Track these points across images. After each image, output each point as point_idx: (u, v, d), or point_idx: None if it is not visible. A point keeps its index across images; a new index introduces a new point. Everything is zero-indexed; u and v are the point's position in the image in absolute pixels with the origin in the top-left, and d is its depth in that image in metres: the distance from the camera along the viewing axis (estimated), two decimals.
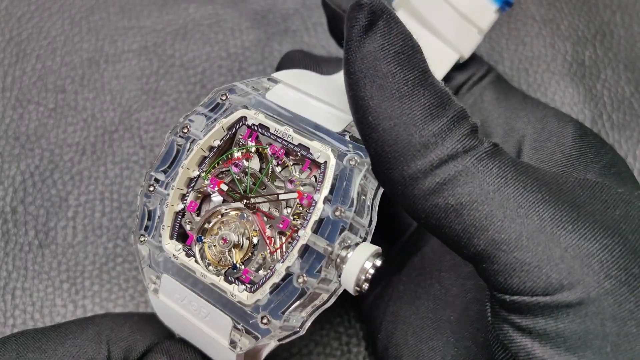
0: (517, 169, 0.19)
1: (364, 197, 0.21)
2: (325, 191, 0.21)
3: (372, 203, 0.22)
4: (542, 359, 0.17)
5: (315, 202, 0.21)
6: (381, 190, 0.22)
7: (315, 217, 0.21)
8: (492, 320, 0.19)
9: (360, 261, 0.20)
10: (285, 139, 0.22)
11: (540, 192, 0.18)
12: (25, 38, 0.37)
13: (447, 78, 0.27)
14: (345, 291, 0.22)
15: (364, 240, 0.21)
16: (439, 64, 0.25)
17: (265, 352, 0.24)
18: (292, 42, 0.37)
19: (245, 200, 0.23)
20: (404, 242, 0.27)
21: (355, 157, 0.21)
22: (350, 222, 0.21)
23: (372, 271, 0.20)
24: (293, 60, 0.29)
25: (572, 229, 0.17)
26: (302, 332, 0.22)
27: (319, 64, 0.28)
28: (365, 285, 0.20)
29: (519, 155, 0.23)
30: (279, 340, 0.22)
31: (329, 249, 0.20)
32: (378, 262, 0.20)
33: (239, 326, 0.22)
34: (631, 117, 0.34)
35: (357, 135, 0.22)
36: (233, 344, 0.22)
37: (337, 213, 0.21)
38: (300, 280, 0.21)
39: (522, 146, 0.23)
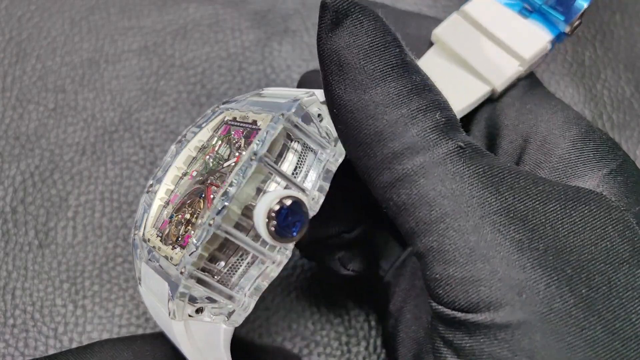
0: (479, 176, 0.18)
1: (301, 156, 0.20)
2: (252, 147, 0.20)
3: (323, 167, 0.20)
4: None
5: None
6: (341, 158, 0.21)
7: (237, 168, 0.20)
8: (430, 328, 0.19)
9: (269, 197, 0.19)
10: (244, 121, 0.22)
11: (492, 206, 0.17)
12: (26, 38, 0.37)
13: None
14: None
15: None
16: (464, 97, 0.23)
17: (221, 337, 0.22)
18: (292, 42, 0.37)
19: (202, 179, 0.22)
20: None
21: (290, 114, 0.20)
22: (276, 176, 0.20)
23: (277, 207, 0.18)
24: (310, 81, 0.28)
25: (512, 251, 0.17)
26: (245, 306, 0.20)
27: None
28: (274, 223, 0.19)
29: (522, 155, 0.22)
30: (224, 316, 0.21)
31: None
32: (288, 202, 0.19)
33: (171, 293, 0.20)
34: (631, 117, 0.34)
35: None
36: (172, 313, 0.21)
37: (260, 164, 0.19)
38: (211, 222, 0.19)
39: (527, 145, 0.23)
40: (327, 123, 0.21)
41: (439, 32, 0.23)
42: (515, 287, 0.17)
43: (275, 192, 0.19)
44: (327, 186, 0.20)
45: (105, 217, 0.32)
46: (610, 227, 0.18)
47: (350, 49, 0.19)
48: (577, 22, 0.22)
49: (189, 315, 0.21)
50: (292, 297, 0.31)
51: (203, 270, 0.20)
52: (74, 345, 0.29)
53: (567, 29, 0.22)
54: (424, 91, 0.19)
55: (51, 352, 0.29)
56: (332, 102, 0.19)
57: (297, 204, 0.19)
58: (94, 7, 0.38)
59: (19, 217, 0.32)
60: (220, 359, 0.21)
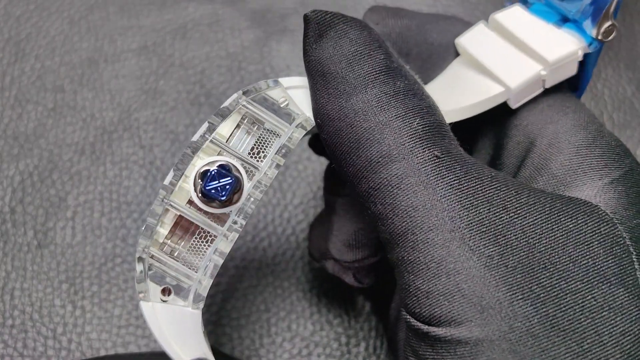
0: (452, 188, 0.17)
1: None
2: (203, 126, 0.21)
3: (279, 145, 0.21)
4: None
5: None
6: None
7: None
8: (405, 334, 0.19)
9: (201, 164, 0.20)
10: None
11: (463, 220, 0.17)
12: (24, 37, 0.37)
13: None
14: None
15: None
16: (477, 98, 0.22)
17: (188, 320, 0.22)
18: (290, 41, 0.37)
19: None
20: None
21: (239, 96, 0.21)
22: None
23: (203, 169, 0.20)
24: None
25: (479, 267, 0.17)
26: (204, 286, 0.21)
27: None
28: (200, 185, 0.20)
29: (525, 158, 0.21)
30: (189, 299, 0.21)
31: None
32: (214, 166, 0.20)
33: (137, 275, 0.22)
34: (632, 116, 0.34)
35: None
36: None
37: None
38: (162, 197, 0.20)
39: (532, 148, 0.21)
40: (292, 106, 0.21)
41: (463, 42, 0.23)
42: (477, 304, 0.16)
43: (206, 159, 0.20)
44: (282, 162, 0.21)
45: (105, 217, 0.32)
46: (596, 242, 0.17)
47: (332, 58, 0.19)
48: (606, 25, 0.21)
49: (162, 300, 0.21)
50: (292, 298, 0.31)
51: (163, 250, 0.21)
52: (73, 345, 0.29)
53: (594, 32, 0.21)
54: (407, 97, 0.18)
55: (50, 353, 0.29)
56: (316, 112, 0.19)
57: (225, 167, 0.20)
58: (93, 6, 0.38)
59: (18, 217, 0.32)
60: (190, 344, 0.21)
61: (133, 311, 0.30)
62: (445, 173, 0.17)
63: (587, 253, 0.17)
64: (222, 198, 0.20)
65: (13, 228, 0.32)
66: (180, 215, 0.21)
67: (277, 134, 0.21)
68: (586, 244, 0.17)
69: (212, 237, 0.21)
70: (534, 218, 0.17)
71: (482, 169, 0.18)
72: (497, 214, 0.17)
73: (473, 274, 0.16)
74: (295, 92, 0.21)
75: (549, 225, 0.17)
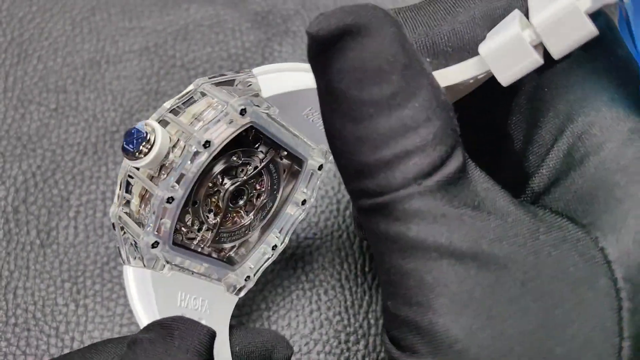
0: (446, 215, 0.17)
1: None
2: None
3: (226, 114, 0.23)
4: None
5: None
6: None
7: None
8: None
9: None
10: None
11: (455, 255, 0.17)
12: (27, 39, 0.37)
13: None
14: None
15: None
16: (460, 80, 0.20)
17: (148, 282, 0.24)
18: (292, 42, 0.37)
19: None
20: None
21: (200, 80, 0.24)
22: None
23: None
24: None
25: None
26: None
27: None
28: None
29: (553, 145, 0.20)
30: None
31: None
32: (138, 124, 0.22)
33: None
34: None
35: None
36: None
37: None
38: (125, 165, 0.24)
39: (563, 134, 0.20)
40: (255, 86, 0.23)
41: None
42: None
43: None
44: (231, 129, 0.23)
45: (107, 216, 0.32)
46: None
47: (341, 74, 0.17)
48: None
49: (129, 263, 0.24)
50: (292, 296, 0.31)
51: (130, 217, 0.24)
52: (76, 344, 0.30)
53: None
54: (408, 133, 0.17)
55: (52, 351, 0.29)
56: (324, 124, 0.19)
57: (143, 125, 0.22)
58: (95, 7, 0.38)
59: (21, 217, 0.32)
60: (149, 307, 0.23)
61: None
62: (445, 199, 0.17)
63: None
64: (130, 148, 0.22)
65: (16, 228, 0.32)
66: (132, 181, 0.24)
67: (225, 106, 0.23)
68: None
69: (151, 195, 0.23)
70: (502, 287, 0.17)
71: (461, 227, 0.18)
72: (476, 284, 0.17)
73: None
74: (263, 78, 0.23)
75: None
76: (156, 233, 0.23)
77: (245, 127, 0.24)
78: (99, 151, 0.34)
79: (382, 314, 0.19)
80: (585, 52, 0.19)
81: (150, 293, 0.23)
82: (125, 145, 0.22)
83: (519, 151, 0.21)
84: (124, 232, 0.24)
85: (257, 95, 0.23)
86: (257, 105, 0.23)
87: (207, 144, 0.23)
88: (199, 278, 0.25)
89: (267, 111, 0.24)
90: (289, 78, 0.24)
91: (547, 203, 0.20)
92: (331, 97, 0.18)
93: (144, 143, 0.22)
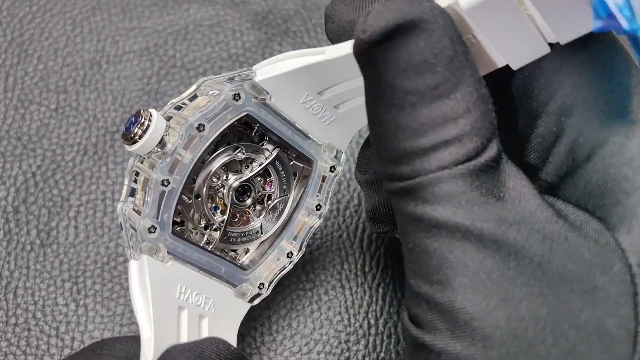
0: (475, 206, 0.18)
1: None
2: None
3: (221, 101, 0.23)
4: None
5: None
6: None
7: None
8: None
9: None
10: None
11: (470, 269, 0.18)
12: (27, 39, 0.37)
13: None
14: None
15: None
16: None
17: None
18: (292, 43, 0.37)
19: None
20: None
21: (204, 78, 0.25)
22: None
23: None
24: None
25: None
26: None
27: None
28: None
29: (555, 142, 0.20)
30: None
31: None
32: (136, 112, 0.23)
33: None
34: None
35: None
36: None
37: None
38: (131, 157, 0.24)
39: (563, 131, 0.20)
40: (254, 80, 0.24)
41: None
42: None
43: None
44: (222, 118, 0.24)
45: (107, 216, 0.32)
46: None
47: (387, 64, 0.18)
48: None
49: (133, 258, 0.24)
50: (293, 296, 0.31)
51: (134, 209, 0.24)
52: (76, 344, 0.30)
53: None
54: (447, 123, 0.18)
55: (52, 351, 0.30)
56: (367, 112, 0.19)
57: (142, 112, 0.23)
58: (95, 8, 0.38)
59: (21, 217, 0.32)
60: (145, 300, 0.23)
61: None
62: (477, 190, 0.18)
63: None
64: (125, 131, 0.23)
65: (16, 227, 0.32)
66: (139, 178, 0.24)
67: (220, 96, 0.24)
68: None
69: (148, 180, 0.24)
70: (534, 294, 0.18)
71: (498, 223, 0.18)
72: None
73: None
74: (259, 68, 0.24)
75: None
76: (155, 218, 0.23)
77: (241, 115, 0.24)
78: (99, 151, 0.34)
79: (404, 293, 0.20)
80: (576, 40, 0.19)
81: (146, 280, 0.23)
82: (124, 130, 0.23)
83: (520, 147, 0.22)
84: (130, 227, 0.24)
85: (254, 86, 0.24)
86: (255, 95, 0.24)
87: (200, 127, 0.23)
88: (204, 275, 0.25)
89: (262, 97, 0.24)
90: (282, 64, 0.24)
91: (560, 198, 0.21)
92: (377, 86, 0.18)
93: (139, 126, 0.23)
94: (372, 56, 0.18)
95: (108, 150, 0.34)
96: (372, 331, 0.30)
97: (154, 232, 0.23)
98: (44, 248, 0.32)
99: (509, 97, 0.21)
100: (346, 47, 0.21)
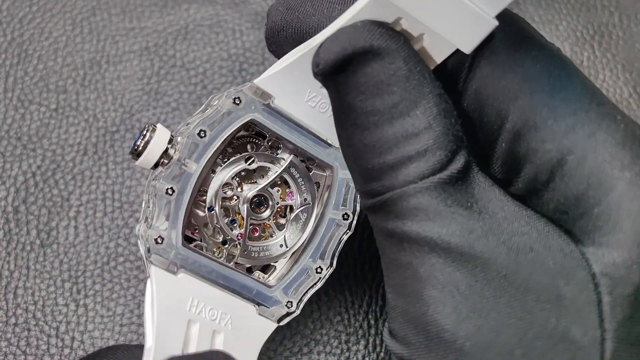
0: (451, 213, 0.18)
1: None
2: None
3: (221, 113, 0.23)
4: None
5: None
6: None
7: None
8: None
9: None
10: None
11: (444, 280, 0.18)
12: (27, 39, 0.37)
13: None
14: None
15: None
16: (428, 57, 0.20)
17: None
18: None
19: None
20: None
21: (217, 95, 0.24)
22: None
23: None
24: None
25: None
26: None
27: None
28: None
29: (519, 154, 0.20)
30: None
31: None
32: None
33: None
34: None
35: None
36: None
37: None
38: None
39: (527, 143, 0.20)
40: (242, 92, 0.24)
41: None
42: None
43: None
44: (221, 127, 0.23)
45: (107, 216, 0.32)
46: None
47: (346, 88, 0.19)
48: None
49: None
50: None
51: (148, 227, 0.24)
52: (76, 344, 0.30)
53: None
54: (410, 139, 0.18)
55: (52, 351, 0.30)
56: (337, 134, 0.20)
57: (147, 126, 0.23)
58: (95, 8, 0.38)
59: (21, 217, 0.32)
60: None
61: (135, 309, 0.30)
62: (443, 198, 0.19)
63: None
64: (132, 146, 0.23)
65: (16, 227, 0.32)
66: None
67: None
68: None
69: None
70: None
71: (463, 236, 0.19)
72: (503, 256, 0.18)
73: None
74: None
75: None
76: (162, 229, 0.23)
77: (245, 121, 0.23)
78: (99, 151, 0.34)
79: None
80: (507, 45, 0.20)
81: (153, 291, 0.23)
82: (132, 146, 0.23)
83: (486, 160, 0.21)
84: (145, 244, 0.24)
85: (255, 90, 0.23)
86: (258, 100, 0.23)
87: (201, 132, 0.23)
88: (222, 291, 0.24)
89: (266, 101, 0.23)
90: (279, 62, 0.24)
91: (529, 207, 0.21)
92: (342, 108, 0.19)
93: (141, 138, 0.23)
94: (332, 80, 0.19)
95: (108, 150, 0.34)
96: (372, 331, 0.30)
97: (162, 242, 0.23)
98: (44, 248, 0.32)
99: (465, 115, 0.21)
100: (336, 24, 0.20)
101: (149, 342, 0.22)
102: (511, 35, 0.20)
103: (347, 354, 0.30)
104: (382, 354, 0.30)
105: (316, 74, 0.19)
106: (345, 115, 0.19)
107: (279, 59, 0.24)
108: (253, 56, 0.37)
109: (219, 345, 0.24)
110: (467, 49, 0.19)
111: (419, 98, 0.18)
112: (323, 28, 0.22)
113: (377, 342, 0.30)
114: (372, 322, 0.30)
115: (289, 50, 0.23)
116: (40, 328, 0.30)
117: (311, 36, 0.23)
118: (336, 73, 0.19)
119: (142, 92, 0.36)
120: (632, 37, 0.37)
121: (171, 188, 0.23)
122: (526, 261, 0.18)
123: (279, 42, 0.25)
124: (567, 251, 0.19)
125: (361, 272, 0.31)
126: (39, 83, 0.36)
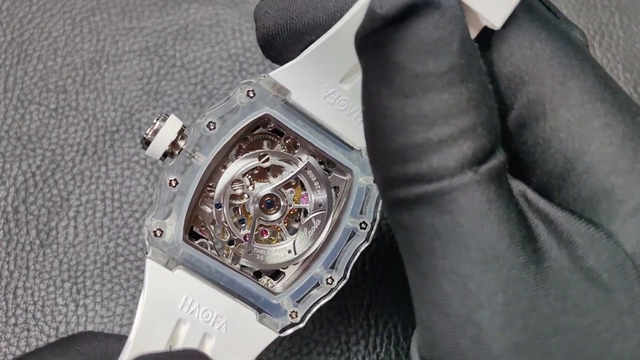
0: (495, 210, 0.16)
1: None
2: None
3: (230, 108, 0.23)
4: None
5: None
6: None
7: None
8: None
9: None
10: None
11: (488, 286, 0.16)
12: (27, 39, 0.37)
13: None
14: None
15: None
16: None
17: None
18: None
19: None
20: None
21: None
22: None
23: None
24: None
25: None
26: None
27: None
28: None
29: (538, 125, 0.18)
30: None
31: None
32: None
33: None
34: None
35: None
36: None
37: None
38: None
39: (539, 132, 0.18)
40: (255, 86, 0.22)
41: None
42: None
43: None
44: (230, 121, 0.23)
45: (107, 216, 0.32)
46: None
47: (400, 45, 0.16)
48: None
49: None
50: None
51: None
52: None
53: None
54: (463, 112, 0.16)
55: None
56: (364, 97, 0.17)
57: (161, 117, 0.23)
58: (95, 8, 0.38)
59: (21, 217, 0.32)
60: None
61: (135, 310, 0.30)
62: (493, 196, 0.16)
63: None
64: (142, 136, 0.23)
65: (16, 228, 0.32)
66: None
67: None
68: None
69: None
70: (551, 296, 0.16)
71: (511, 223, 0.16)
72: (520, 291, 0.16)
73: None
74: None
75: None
76: (163, 221, 0.22)
77: (259, 115, 0.22)
78: (99, 151, 0.34)
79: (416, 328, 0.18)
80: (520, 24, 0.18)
81: (144, 283, 0.22)
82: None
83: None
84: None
85: (273, 84, 0.22)
86: (273, 94, 0.22)
87: (210, 124, 0.22)
88: (221, 292, 0.23)
89: (282, 96, 0.22)
90: (297, 56, 0.22)
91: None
92: (384, 72, 0.16)
93: (151, 127, 0.22)
94: (382, 36, 0.16)
95: (108, 150, 0.34)
96: (372, 331, 0.30)
97: (161, 235, 0.22)
98: (43, 248, 0.32)
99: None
100: (353, 9, 0.19)
101: (130, 337, 0.21)
102: (522, 14, 0.18)
103: (347, 354, 0.30)
104: (382, 354, 0.30)
105: (372, 21, 0.16)
106: (388, 80, 0.16)
107: (278, 64, 0.23)
108: (253, 56, 0.37)
109: (208, 349, 0.22)
110: (498, 22, 0.18)
111: (472, 69, 0.16)
112: (320, 23, 0.21)
113: (377, 342, 0.30)
114: (372, 322, 0.30)
115: (288, 55, 0.22)
116: (40, 328, 0.30)
117: (310, 35, 0.22)
118: (389, 25, 0.16)
119: (142, 92, 0.36)
120: (632, 37, 0.36)
121: (175, 180, 0.22)
122: (581, 274, 0.16)
123: (276, 48, 0.23)
124: (619, 259, 0.17)
125: (361, 272, 0.31)
126: (39, 83, 0.36)
